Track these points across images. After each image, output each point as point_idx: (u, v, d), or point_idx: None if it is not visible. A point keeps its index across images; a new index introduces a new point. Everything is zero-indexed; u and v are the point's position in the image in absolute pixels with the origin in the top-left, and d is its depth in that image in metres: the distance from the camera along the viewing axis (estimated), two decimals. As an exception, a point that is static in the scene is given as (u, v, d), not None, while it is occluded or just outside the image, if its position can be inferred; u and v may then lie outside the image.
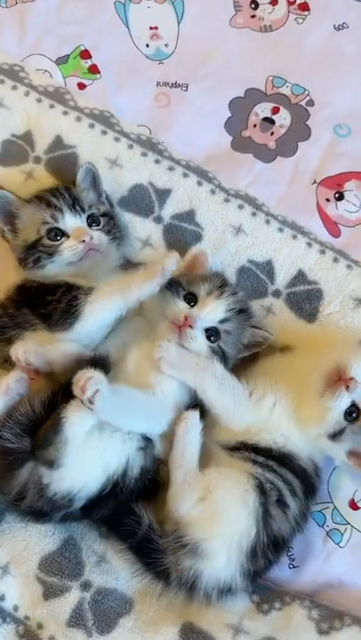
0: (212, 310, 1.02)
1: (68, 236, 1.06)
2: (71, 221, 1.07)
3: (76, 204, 1.08)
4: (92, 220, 1.09)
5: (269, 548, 0.97)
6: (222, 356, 1.04)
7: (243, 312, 1.07)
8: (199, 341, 1.01)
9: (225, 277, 1.11)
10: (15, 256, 1.11)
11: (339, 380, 0.97)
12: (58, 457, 0.91)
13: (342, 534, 1.10)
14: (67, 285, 1.04)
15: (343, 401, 0.97)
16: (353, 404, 0.98)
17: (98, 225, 1.09)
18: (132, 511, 0.99)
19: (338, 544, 1.10)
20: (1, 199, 1.09)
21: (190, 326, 0.99)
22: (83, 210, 1.08)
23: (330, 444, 1.00)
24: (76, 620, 0.98)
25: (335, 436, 0.99)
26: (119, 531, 1.00)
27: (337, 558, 1.10)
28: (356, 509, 1.11)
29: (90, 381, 0.87)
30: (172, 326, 1.02)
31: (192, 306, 1.03)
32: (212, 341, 1.02)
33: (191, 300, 1.04)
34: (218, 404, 1.00)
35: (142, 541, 0.98)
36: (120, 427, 0.94)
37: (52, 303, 1.01)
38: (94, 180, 1.14)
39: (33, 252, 1.07)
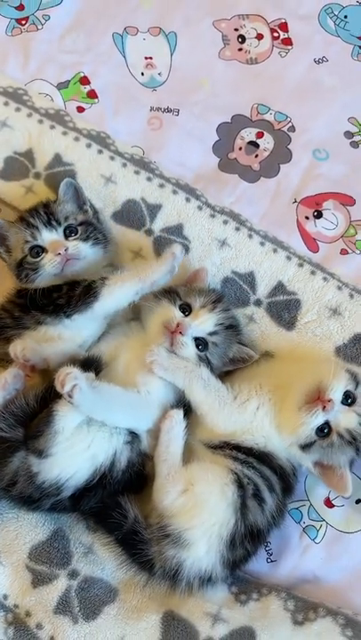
0: (203, 322, 1.10)
1: (47, 251, 1.14)
2: (47, 237, 1.14)
3: (51, 220, 1.15)
4: (70, 231, 1.17)
5: (247, 537, 1.02)
6: (208, 365, 1.11)
7: (231, 328, 1.14)
8: (188, 348, 1.08)
9: (221, 294, 1.18)
10: (12, 273, 1.20)
11: (318, 399, 1.03)
12: (47, 447, 0.97)
13: (318, 530, 1.16)
14: (71, 282, 1.12)
15: (318, 419, 1.03)
16: (326, 423, 1.04)
17: (75, 234, 1.17)
18: (119, 505, 1.05)
19: (313, 540, 1.16)
20: None
21: (181, 333, 1.07)
22: (59, 223, 1.16)
23: (299, 452, 1.07)
24: (62, 607, 1.03)
25: (305, 447, 1.06)
26: (106, 523, 1.05)
27: (312, 553, 1.15)
28: (330, 507, 1.18)
29: (68, 377, 0.94)
30: (164, 331, 1.09)
31: (186, 315, 1.11)
32: (199, 350, 1.09)
33: (186, 309, 1.11)
34: (204, 405, 1.07)
35: (128, 533, 1.03)
36: (103, 421, 1.00)
37: (61, 297, 1.09)
38: (75, 192, 1.22)
39: (22, 269, 1.15)
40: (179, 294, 1.13)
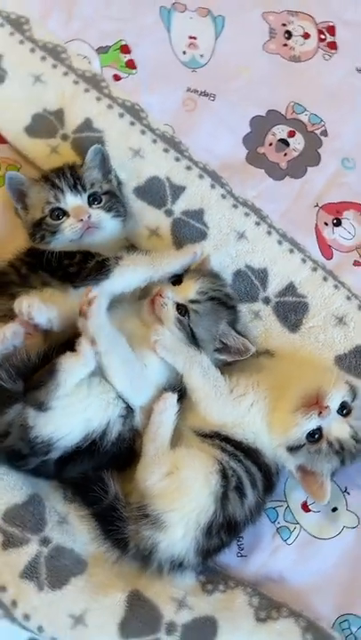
0: (185, 288, 1.10)
1: (69, 215, 1.12)
2: (71, 201, 1.13)
3: (77, 184, 1.14)
4: (94, 199, 1.15)
5: (223, 528, 1.03)
6: (192, 336, 1.09)
7: (220, 302, 1.12)
8: (168, 310, 1.08)
9: (216, 273, 1.18)
10: (26, 231, 1.18)
11: (315, 403, 1.04)
12: (47, 399, 0.97)
13: (291, 532, 1.17)
14: (85, 252, 1.10)
15: (311, 423, 1.04)
16: (318, 428, 1.05)
17: (99, 203, 1.15)
18: (101, 479, 1.04)
19: (285, 541, 1.16)
20: (13, 179, 1.16)
21: (161, 295, 1.08)
22: (84, 189, 1.14)
23: (286, 454, 1.07)
24: (30, 572, 1.01)
25: (292, 449, 1.06)
26: (86, 496, 1.05)
27: (282, 554, 1.16)
28: (307, 511, 1.18)
29: (94, 293, 0.99)
30: (148, 301, 1.10)
31: (174, 285, 1.11)
32: (180, 314, 1.09)
33: (176, 282, 1.12)
34: (200, 392, 1.07)
35: (107, 509, 1.03)
36: (103, 368, 1.00)
37: (71, 265, 1.08)
38: (103, 160, 1.20)
39: (39, 230, 1.14)
40: (176, 275, 1.13)
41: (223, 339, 1.11)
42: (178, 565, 1.02)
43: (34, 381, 0.98)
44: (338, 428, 1.05)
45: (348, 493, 1.19)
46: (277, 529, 1.17)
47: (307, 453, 1.06)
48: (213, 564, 1.12)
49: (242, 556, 1.15)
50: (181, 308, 1.09)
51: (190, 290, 1.10)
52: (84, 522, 1.06)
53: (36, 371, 0.99)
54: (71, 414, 0.99)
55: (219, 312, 1.11)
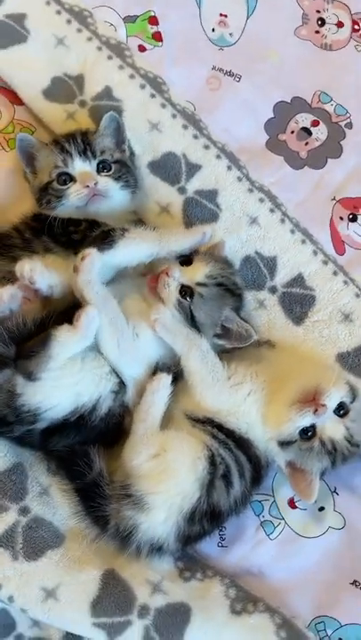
0: (194, 270, 1.06)
1: (76, 181, 1.09)
2: (79, 166, 1.10)
3: (87, 150, 1.11)
4: (103, 167, 1.12)
5: (206, 515, 1.00)
6: (191, 319, 1.06)
7: (227, 289, 1.09)
8: (171, 290, 1.05)
9: (228, 260, 1.15)
10: (33, 195, 1.16)
11: (312, 400, 1.01)
12: (37, 370, 0.94)
13: (275, 527, 1.15)
14: (91, 221, 1.08)
15: (305, 419, 1.01)
16: (312, 426, 1.02)
17: (108, 171, 1.12)
18: (87, 454, 1.02)
19: (268, 536, 1.14)
20: (24, 142, 1.14)
21: (167, 274, 1.04)
22: (94, 155, 1.11)
23: (277, 448, 1.05)
24: (6, 540, 1.00)
25: (284, 444, 1.04)
26: (70, 470, 1.03)
27: (264, 549, 1.14)
28: (293, 508, 1.16)
29: (89, 251, 0.98)
30: (150, 277, 1.07)
31: (182, 265, 1.08)
32: (182, 296, 1.05)
33: (185, 263, 1.08)
34: (197, 375, 1.04)
35: (90, 485, 1.00)
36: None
37: (76, 232, 1.06)
38: (117, 128, 1.17)
39: (45, 194, 1.11)
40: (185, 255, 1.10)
41: (226, 323, 1.07)
42: (157, 549, 1.00)
43: (26, 349, 0.95)
44: (332, 428, 1.03)
45: (338, 494, 1.17)
46: (261, 522, 1.15)
47: (298, 450, 1.03)
48: (193, 551, 1.11)
49: (223, 546, 1.14)
50: (186, 290, 1.06)
51: (199, 272, 1.07)
52: (66, 496, 1.04)
53: (30, 338, 0.96)
54: (61, 387, 0.97)
55: (224, 298, 1.08)
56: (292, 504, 1.16)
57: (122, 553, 1.01)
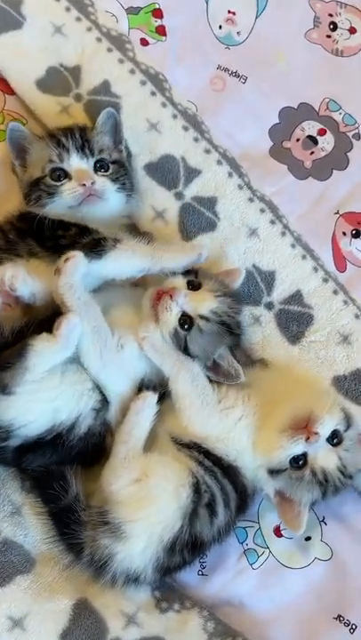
0: (201, 300, 0.99)
1: (71, 178, 1.03)
2: (76, 163, 1.03)
3: (85, 147, 1.04)
4: (101, 166, 1.06)
5: (187, 546, 0.95)
6: (183, 349, 1.00)
7: (228, 328, 1.02)
8: (170, 315, 0.98)
9: (238, 294, 1.08)
10: (21, 191, 1.08)
11: (305, 427, 0.96)
12: (12, 383, 0.88)
13: (258, 556, 1.09)
14: (82, 226, 1.01)
15: (297, 447, 0.96)
16: (304, 455, 0.97)
17: (106, 171, 1.06)
18: (63, 476, 0.95)
19: (251, 565, 1.09)
20: (16, 132, 1.07)
21: (171, 297, 0.97)
22: (92, 153, 1.05)
23: (266, 476, 1.00)
24: (-28, 564, 0.93)
25: (273, 472, 0.98)
26: (44, 492, 0.96)
27: (245, 578, 1.08)
28: (279, 536, 1.10)
29: (74, 253, 0.92)
30: (153, 292, 1.00)
31: (189, 289, 1.00)
32: (181, 325, 0.98)
33: (193, 286, 1.01)
34: (186, 399, 0.98)
35: (64, 510, 0.94)
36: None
37: (64, 237, 0.98)
38: (115, 126, 1.11)
39: (35, 190, 1.04)
40: (197, 273, 1.03)
41: (218, 359, 1.01)
42: (133, 580, 0.94)
43: (1, 361, 0.89)
44: (325, 458, 0.97)
45: (326, 524, 1.11)
46: (245, 551, 1.10)
47: (288, 479, 0.98)
48: (171, 580, 1.05)
49: (203, 574, 1.08)
50: (186, 320, 0.98)
51: (206, 304, 0.99)
52: (39, 517, 0.97)
53: (7, 348, 0.89)
54: (38, 401, 0.90)
55: (223, 337, 1.01)
56: (277, 532, 1.11)
57: (96, 582, 0.95)
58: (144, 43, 1.24)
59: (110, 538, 0.91)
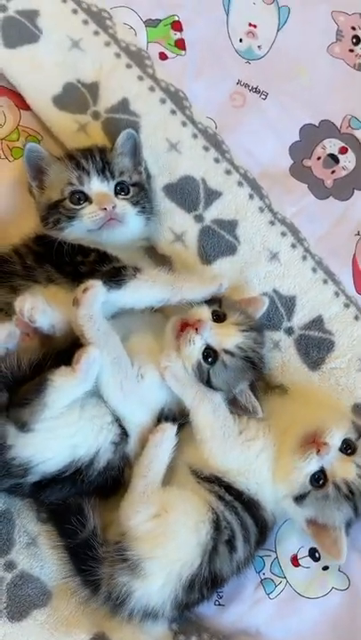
0: (227, 335, 0.97)
1: (92, 202, 1.00)
2: (97, 186, 1.01)
3: (105, 169, 1.02)
4: (121, 189, 1.04)
5: (207, 583, 0.93)
6: (206, 382, 0.99)
7: (252, 363, 1.00)
8: (194, 349, 0.96)
9: (262, 326, 1.06)
10: (38, 213, 1.06)
11: (312, 441, 0.95)
12: (31, 420, 0.86)
13: (276, 586, 1.08)
14: (102, 252, 0.98)
15: (311, 464, 0.94)
16: (321, 470, 0.95)
17: (126, 194, 1.04)
18: (81, 510, 0.94)
19: (268, 595, 1.08)
20: (34, 153, 1.04)
21: (196, 329, 0.94)
22: (113, 176, 1.03)
23: (293, 506, 0.98)
24: (-12, 598, 0.92)
25: (298, 498, 0.96)
26: (61, 526, 0.95)
27: (262, 608, 1.07)
28: (296, 566, 1.09)
29: (93, 283, 0.90)
30: (178, 322, 0.98)
31: (214, 321, 0.98)
32: (205, 360, 0.96)
33: (218, 317, 0.99)
34: (207, 431, 0.96)
35: (81, 545, 0.92)
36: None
37: (84, 264, 0.96)
38: (134, 148, 1.08)
39: (54, 213, 1.02)
40: (220, 302, 1.00)
41: (238, 395, 0.99)
42: (151, 616, 0.92)
43: (19, 397, 0.86)
44: (342, 468, 0.95)
45: (343, 553, 1.10)
46: (262, 580, 1.08)
47: (314, 501, 0.96)
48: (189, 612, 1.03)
49: (220, 604, 1.07)
50: (210, 353, 0.96)
51: (231, 339, 0.97)
52: (56, 551, 0.96)
53: (25, 382, 0.87)
54: (56, 438, 0.88)
55: (246, 372, 0.99)
56: (295, 561, 1.10)
57: (113, 617, 0.93)
58: (163, 57, 1.21)
59: (128, 575, 0.90)
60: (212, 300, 1.00)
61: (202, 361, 0.96)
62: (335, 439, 0.96)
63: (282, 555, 1.09)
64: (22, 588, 0.94)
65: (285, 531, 1.09)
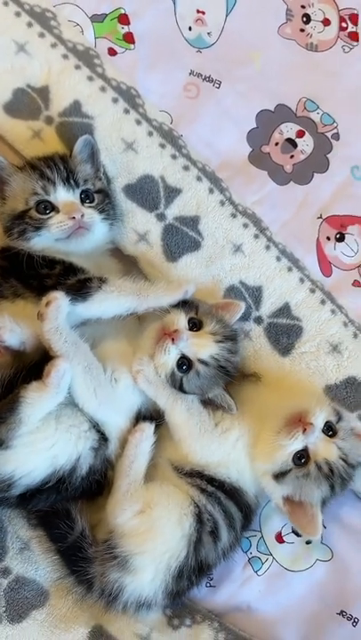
0: (202, 346, 0.99)
1: (58, 211, 1.01)
2: (63, 195, 1.01)
3: (70, 178, 1.02)
4: (86, 196, 1.04)
5: (195, 571, 0.98)
6: (179, 388, 1.01)
7: (225, 371, 1.03)
8: (169, 358, 0.98)
9: (236, 334, 1.08)
10: (1, 224, 1.05)
11: (299, 421, 0.98)
12: (8, 437, 0.88)
13: (263, 563, 1.14)
14: (67, 264, 0.99)
15: (296, 442, 0.98)
16: (304, 449, 0.99)
17: (92, 202, 1.04)
18: (68, 514, 0.97)
19: (256, 572, 1.13)
20: None
21: (173, 340, 0.97)
22: (77, 184, 1.03)
23: (272, 483, 1.01)
24: (-13, 604, 0.96)
25: (279, 476, 1.00)
26: (50, 532, 0.98)
27: (252, 585, 1.13)
28: (281, 542, 1.15)
29: (54, 296, 0.91)
30: (158, 330, 0.99)
31: (190, 329, 1.00)
32: (179, 368, 0.99)
33: (194, 325, 1.00)
34: (184, 429, 1.00)
35: (71, 548, 0.96)
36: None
37: (49, 277, 0.97)
38: (92, 154, 1.08)
39: (19, 223, 1.01)
40: (197, 308, 1.02)
41: (212, 397, 1.02)
42: (145, 606, 0.97)
43: None
44: (325, 448, 0.99)
45: (325, 527, 1.14)
46: (249, 559, 1.14)
47: (295, 479, 0.99)
48: (181, 597, 1.08)
49: (211, 586, 1.12)
50: (184, 361, 0.98)
51: (206, 349, 0.99)
52: (48, 554, 1.00)
53: (-2, 401, 0.89)
54: (36, 452, 0.91)
55: (219, 378, 1.02)
56: (279, 538, 1.15)
57: (108, 611, 0.98)
58: (112, 52, 1.20)
59: (119, 571, 0.94)
60: (189, 306, 1.02)
61: (176, 369, 0.98)
62: (319, 420, 0.99)
63: (267, 533, 1.15)
64: (19, 591, 0.98)
65: (269, 510, 1.14)
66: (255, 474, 1.03)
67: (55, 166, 1.02)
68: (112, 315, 0.99)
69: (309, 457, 0.99)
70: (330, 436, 1.01)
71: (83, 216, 1.00)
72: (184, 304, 1.02)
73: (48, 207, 1.01)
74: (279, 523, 1.15)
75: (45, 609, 0.99)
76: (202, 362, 0.98)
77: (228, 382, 1.04)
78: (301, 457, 0.99)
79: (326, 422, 1.01)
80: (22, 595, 0.98)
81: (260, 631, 1.11)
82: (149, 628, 1.01)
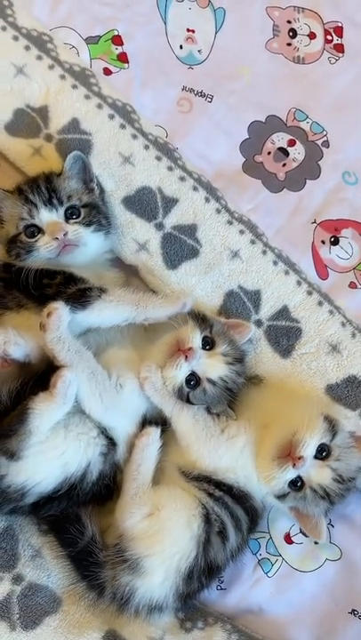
0: (213, 367, 1.01)
1: (44, 233, 1.03)
2: (46, 217, 1.04)
3: (52, 198, 1.04)
4: (72, 213, 1.06)
5: (204, 572, 0.99)
6: (185, 401, 1.03)
7: (231, 392, 1.05)
8: (178, 374, 1.00)
9: (244, 355, 1.11)
10: (2, 245, 1.09)
11: (288, 455, 0.99)
12: (19, 449, 0.90)
13: (272, 565, 1.14)
14: (68, 274, 1.02)
15: (288, 474, 0.99)
16: (299, 477, 1.00)
17: (77, 217, 1.06)
18: (79, 519, 0.99)
19: (266, 573, 1.14)
20: None
21: (186, 357, 0.99)
22: (61, 202, 1.05)
23: (275, 501, 1.04)
24: (1, 611, 0.97)
25: (279, 497, 1.02)
26: (61, 537, 1.00)
27: (262, 586, 1.14)
28: (290, 543, 1.16)
29: (54, 306, 0.93)
30: (172, 343, 1.01)
31: (203, 348, 1.02)
32: (187, 383, 1.01)
33: (207, 344, 1.02)
34: (190, 435, 1.01)
35: (82, 553, 0.98)
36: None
37: (50, 286, 0.99)
38: (83, 168, 1.11)
39: (14, 247, 1.05)
40: (211, 327, 1.04)
41: (214, 410, 1.05)
42: (156, 609, 0.98)
43: (3, 428, 0.91)
44: (318, 474, 1.00)
45: (333, 526, 1.16)
46: (259, 561, 1.15)
47: (294, 500, 1.02)
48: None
49: (222, 589, 1.13)
50: (193, 378, 1.00)
51: (216, 370, 1.01)
52: (59, 560, 1.01)
53: (6, 413, 0.91)
54: (47, 461, 0.93)
55: (224, 397, 1.04)
56: (288, 539, 1.16)
57: (120, 615, 0.99)
58: (107, 72, 1.24)
59: (130, 575, 0.95)
60: (204, 324, 1.03)
61: (184, 384, 1.00)
62: (310, 449, 0.99)
63: (275, 534, 1.16)
64: (32, 598, 0.99)
65: (276, 512, 1.15)
66: (261, 490, 1.05)
67: (37, 189, 1.04)
68: (111, 324, 1.01)
69: (304, 482, 1.00)
70: (324, 458, 1.01)
71: (66, 234, 1.02)
72: (199, 320, 1.03)
73: (35, 230, 1.03)
74: (287, 523, 1.16)
75: (59, 615, 1.00)
76: (210, 381, 1.01)
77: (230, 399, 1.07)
78: (297, 482, 1.00)
79: (319, 445, 1.00)
80: (35, 601, 0.99)
81: (273, 632, 1.12)
82: (162, 631, 1.02)
